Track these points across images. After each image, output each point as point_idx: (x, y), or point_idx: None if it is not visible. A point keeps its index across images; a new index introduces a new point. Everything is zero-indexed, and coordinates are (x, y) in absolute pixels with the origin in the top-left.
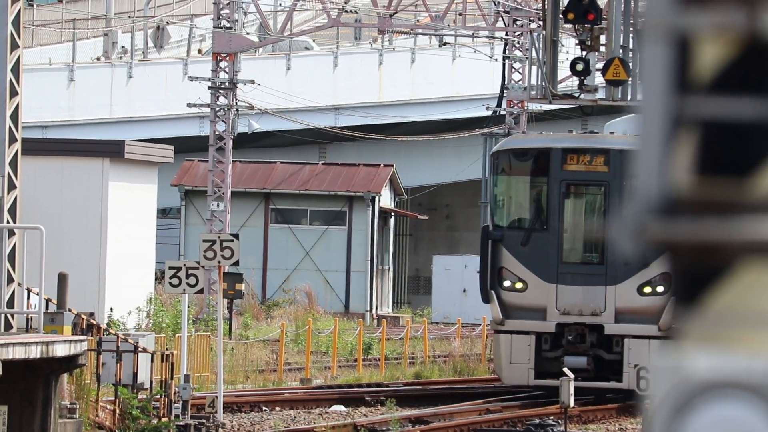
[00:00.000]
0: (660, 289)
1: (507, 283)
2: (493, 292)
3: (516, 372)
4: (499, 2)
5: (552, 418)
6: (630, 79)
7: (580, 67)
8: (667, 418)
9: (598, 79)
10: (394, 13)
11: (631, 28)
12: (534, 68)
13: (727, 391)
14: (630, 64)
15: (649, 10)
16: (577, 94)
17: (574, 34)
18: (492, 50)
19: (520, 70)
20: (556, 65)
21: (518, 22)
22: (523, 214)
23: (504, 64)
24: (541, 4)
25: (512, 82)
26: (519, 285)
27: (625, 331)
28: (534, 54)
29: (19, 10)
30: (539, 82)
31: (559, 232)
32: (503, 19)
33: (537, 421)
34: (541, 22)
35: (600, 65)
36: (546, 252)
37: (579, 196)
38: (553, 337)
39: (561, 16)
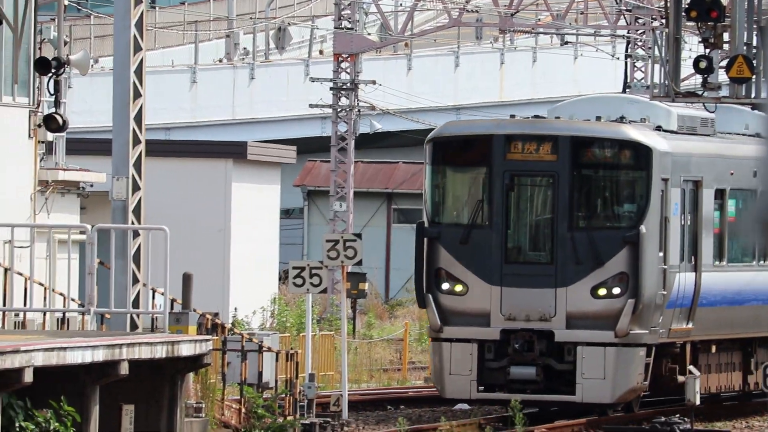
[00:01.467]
0: (616, 290)
1: (445, 286)
2: (429, 295)
3: (457, 384)
4: (621, 0)
5: (677, 416)
6: (754, 76)
7: (703, 65)
8: None
9: (722, 76)
10: (515, 13)
11: (755, 26)
12: (657, 66)
13: None
14: (754, 62)
15: None
16: (700, 92)
17: (697, 31)
18: (614, 49)
19: (643, 69)
20: (679, 63)
21: (640, 20)
22: (463, 208)
23: (626, 63)
24: (663, 2)
25: (635, 80)
26: (459, 288)
27: (578, 337)
28: (657, 52)
29: (142, 13)
30: (662, 81)
31: (502, 229)
32: (625, 18)
33: (663, 419)
34: (663, 20)
35: (723, 63)
36: (488, 251)
37: (524, 188)
38: (497, 346)
39: (684, 13)
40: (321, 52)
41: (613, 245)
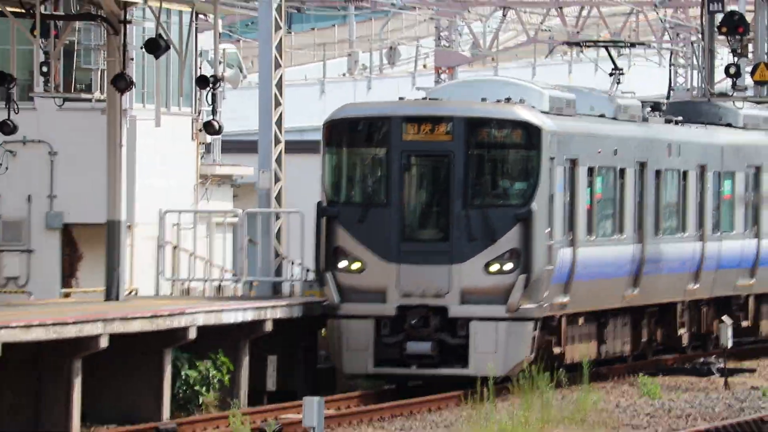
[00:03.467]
0: (508, 266)
1: (343, 264)
2: (327, 273)
3: (354, 360)
4: (665, 20)
5: (714, 357)
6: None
7: (732, 70)
8: None
9: (748, 80)
10: (580, 31)
11: None
12: (695, 73)
13: None
14: None
15: None
16: (730, 93)
17: (727, 44)
18: (660, 59)
19: (684, 75)
20: (713, 70)
21: (681, 36)
22: (361, 188)
23: (670, 70)
24: (700, 21)
25: (677, 84)
26: (356, 265)
27: (471, 313)
28: (695, 61)
29: (281, 38)
30: (700, 84)
31: (399, 208)
32: (669, 34)
33: (702, 360)
34: (700, 35)
35: (749, 69)
36: (385, 229)
37: (420, 167)
38: (393, 322)
39: (716, 29)
40: (425, 66)
41: (506, 223)
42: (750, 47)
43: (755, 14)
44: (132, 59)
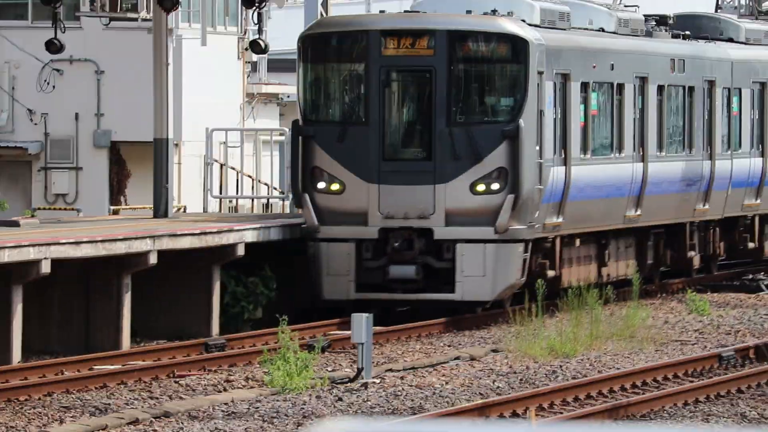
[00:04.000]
0: (495, 186)
1: (321, 185)
2: (306, 195)
3: (335, 285)
4: None
5: (762, 273)
6: None
7: None
8: None
9: None
10: None
11: None
12: None
13: None
14: None
15: None
16: None
17: None
18: None
19: None
20: None
21: None
22: (338, 106)
23: None
24: None
25: (725, 2)
26: (335, 186)
27: (457, 235)
28: None
29: None
30: (747, 2)
31: (380, 126)
32: None
33: (750, 276)
34: None
35: None
36: (365, 148)
37: (401, 83)
38: (375, 245)
39: None
40: None
41: (492, 140)
42: None
43: None
44: None
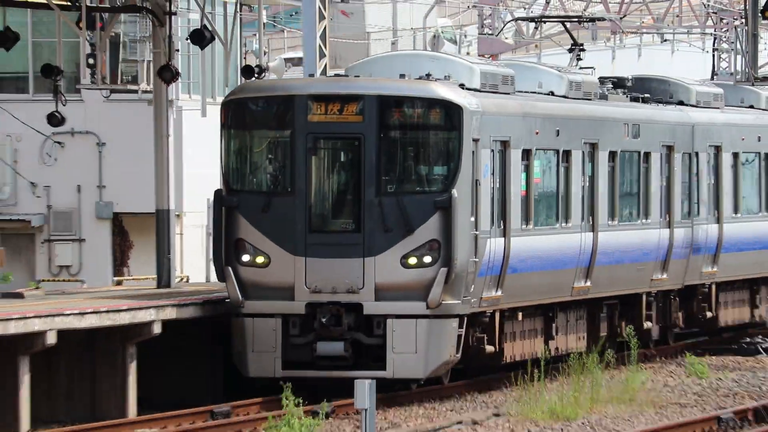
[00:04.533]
0: (427, 259)
1: (246, 258)
2: (229, 268)
3: (260, 362)
4: (708, 5)
5: (760, 337)
6: None
7: None
8: None
9: None
10: (624, 17)
11: None
12: (739, 57)
13: None
14: None
15: None
16: None
17: None
18: (703, 44)
19: (727, 60)
20: (757, 54)
21: (724, 20)
22: (263, 175)
23: (713, 55)
24: (743, 5)
25: (721, 69)
26: (260, 259)
27: (388, 310)
28: (738, 46)
29: (325, 27)
30: (743, 68)
31: (306, 196)
32: (712, 19)
33: (748, 339)
34: (743, 20)
35: None
36: (291, 220)
37: (328, 152)
38: (302, 320)
39: (759, 14)
40: (468, 53)
41: (424, 211)
42: None
43: None
44: (177, 50)
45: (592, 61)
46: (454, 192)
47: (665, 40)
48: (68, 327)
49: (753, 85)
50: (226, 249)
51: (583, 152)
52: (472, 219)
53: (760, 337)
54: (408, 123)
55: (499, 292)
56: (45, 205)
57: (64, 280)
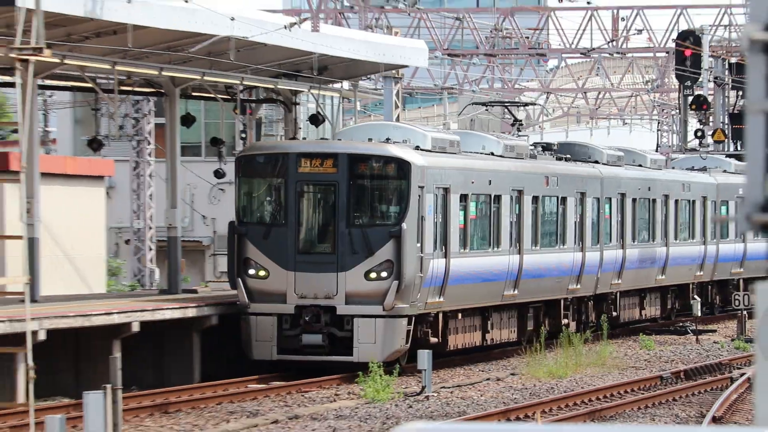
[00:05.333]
0: (383, 274)
1: (251, 272)
2: (239, 279)
3: (261, 349)
4: (655, 100)
5: (688, 322)
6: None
7: (699, 134)
8: (764, 318)
9: (709, 140)
10: (598, 108)
11: (727, 112)
12: (674, 135)
13: None
14: (726, 131)
15: (748, 99)
16: (698, 149)
17: (696, 116)
18: (651, 126)
19: (667, 137)
20: (687, 133)
21: (665, 111)
22: (265, 211)
23: (657, 134)
24: (678, 101)
25: (662, 142)
26: (262, 273)
27: (355, 311)
28: (675, 128)
29: (398, 114)
30: (678, 143)
31: (295, 227)
32: (657, 110)
33: (680, 324)
34: (678, 110)
35: (710, 132)
36: (285, 244)
37: (312, 194)
38: (292, 318)
39: (689, 107)
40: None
41: (382, 239)
42: (711, 119)
43: (714, 96)
44: (300, 128)
45: (577, 137)
46: (404, 225)
47: (626, 123)
48: (227, 312)
49: (683, 153)
50: (237, 265)
51: (511, 196)
52: (418, 245)
53: (689, 322)
54: (370, 174)
55: (442, 299)
56: (212, 230)
57: (224, 281)
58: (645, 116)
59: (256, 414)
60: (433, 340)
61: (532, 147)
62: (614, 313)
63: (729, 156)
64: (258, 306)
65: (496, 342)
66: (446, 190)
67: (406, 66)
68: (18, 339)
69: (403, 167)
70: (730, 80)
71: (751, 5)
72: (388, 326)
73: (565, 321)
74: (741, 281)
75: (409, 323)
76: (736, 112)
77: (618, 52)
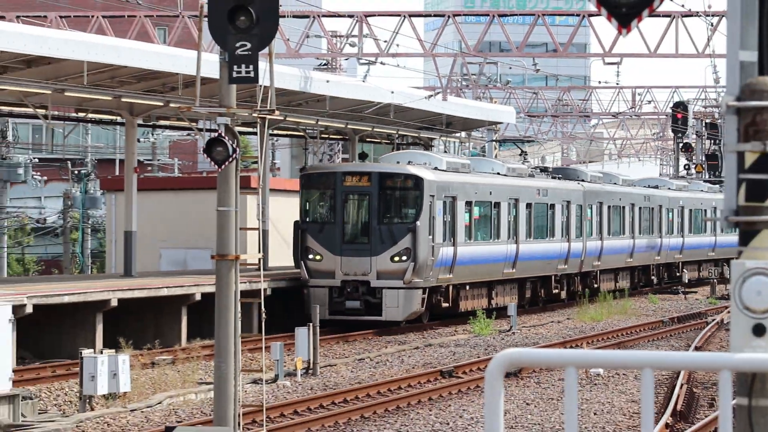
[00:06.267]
0: (404, 258)
1: (310, 256)
2: (302, 261)
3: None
4: (658, 146)
5: (679, 286)
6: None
7: (686, 167)
8: (737, 283)
9: (693, 171)
10: (623, 150)
11: (707, 152)
12: (671, 168)
13: (758, 271)
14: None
15: (725, 143)
16: (686, 176)
17: (684, 156)
18: (655, 161)
19: (666, 168)
20: (678, 167)
21: (664, 152)
22: (320, 212)
23: (659, 167)
24: (674, 146)
25: (662, 172)
26: (318, 257)
27: (383, 284)
28: (671, 163)
29: None
30: (673, 172)
31: (342, 224)
32: (660, 151)
33: (674, 287)
34: (673, 152)
35: (693, 166)
36: (334, 236)
37: (353, 201)
38: (339, 290)
39: (680, 150)
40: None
41: (403, 232)
42: (693, 158)
43: (696, 143)
44: None
45: (608, 168)
46: (418, 223)
47: (639, 160)
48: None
49: (676, 178)
50: (300, 252)
51: (509, 203)
52: (430, 237)
53: (679, 286)
54: (395, 186)
55: (451, 275)
56: None
57: None
58: (652, 155)
59: (404, 342)
60: (445, 305)
61: (534, 169)
62: (595, 285)
63: (706, 181)
64: (315, 281)
65: (501, 305)
66: (454, 198)
67: (501, 123)
68: (254, 294)
69: (418, 182)
70: (706, 133)
71: (727, 82)
72: (407, 295)
73: (556, 291)
74: (681, 264)
75: (423, 293)
76: (709, 153)
77: (635, 115)
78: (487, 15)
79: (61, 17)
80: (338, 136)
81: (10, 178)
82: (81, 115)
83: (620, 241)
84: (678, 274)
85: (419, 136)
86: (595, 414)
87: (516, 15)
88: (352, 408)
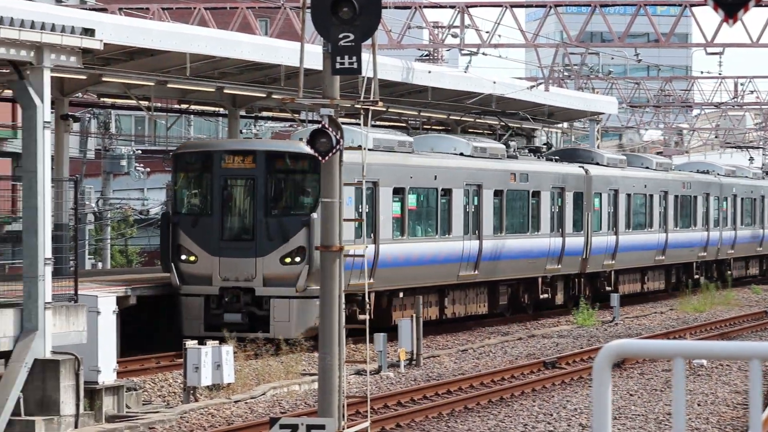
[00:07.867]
0: (297, 259)
1: (183, 257)
2: (172, 263)
3: (191, 325)
4: (761, 135)
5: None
6: None
7: None
8: None
9: None
10: (726, 141)
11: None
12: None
13: None
14: None
15: None
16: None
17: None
18: (759, 151)
19: (760, 157)
20: None
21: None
22: (195, 202)
23: (763, 155)
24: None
25: (766, 162)
26: (191, 258)
27: (271, 293)
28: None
29: None
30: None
31: (220, 216)
32: (763, 140)
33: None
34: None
35: None
36: (211, 232)
37: (235, 188)
38: (217, 299)
39: None
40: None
41: (295, 227)
42: None
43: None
44: None
45: (710, 159)
46: (314, 215)
47: (741, 149)
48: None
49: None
50: (170, 251)
51: (466, 190)
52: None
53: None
54: (286, 168)
55: (372, 280)
56: None
57: None
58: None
59: (507, 333)
60: (362, 317)
61: (521, 149)
62: (609, 288)
63: None
64: (188, 288)
65: (457, 316)
66: (375, 184)
67: (603, 113)
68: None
69: (316, 163)
70: None
71: None
72: (300, 306)
73: (544, 295)
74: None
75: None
76: None
77: (737, 105)
78: (589, 5)
79: (163, 9)
80: (440, 127)
81: (113, 170)
82: (183, 106)
83: (643, 235)
84: None
85: (521, 126)
86: (698, 405)
87: (618, 5)
88: (456, 399)
